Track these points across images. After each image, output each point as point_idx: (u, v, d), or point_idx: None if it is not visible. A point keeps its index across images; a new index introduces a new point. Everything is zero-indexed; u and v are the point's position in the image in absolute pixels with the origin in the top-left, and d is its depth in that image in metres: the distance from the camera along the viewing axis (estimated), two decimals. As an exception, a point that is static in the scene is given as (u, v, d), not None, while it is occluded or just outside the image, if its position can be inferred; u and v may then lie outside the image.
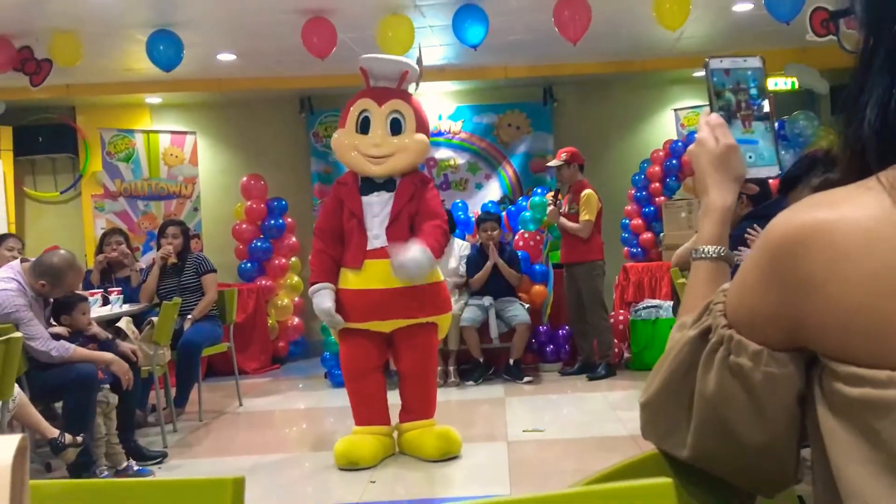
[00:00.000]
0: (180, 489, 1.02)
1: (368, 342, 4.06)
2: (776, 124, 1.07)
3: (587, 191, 5.89)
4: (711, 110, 1.06)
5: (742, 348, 0.82)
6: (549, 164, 6.24)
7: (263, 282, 7.36)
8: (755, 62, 1.07)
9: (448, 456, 4.03)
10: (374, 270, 3.95)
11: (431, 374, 4.25)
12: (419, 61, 4.20)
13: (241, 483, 1.00)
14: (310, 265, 4.27)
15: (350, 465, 3.95)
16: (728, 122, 1.05)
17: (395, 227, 3.96)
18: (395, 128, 4.03)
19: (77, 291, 4.27)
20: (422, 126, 4.12)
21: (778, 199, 3.04)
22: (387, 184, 4.03)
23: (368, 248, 3.96)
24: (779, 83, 7.34)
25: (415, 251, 3.74)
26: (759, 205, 3.51)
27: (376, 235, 3.96)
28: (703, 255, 1.02)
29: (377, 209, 3.99)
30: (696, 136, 1.06)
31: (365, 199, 4.01)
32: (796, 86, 7.30)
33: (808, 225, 0.75)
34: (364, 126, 4.05)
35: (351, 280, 4.00)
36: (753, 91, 1.06)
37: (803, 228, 0.75)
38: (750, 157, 1.05)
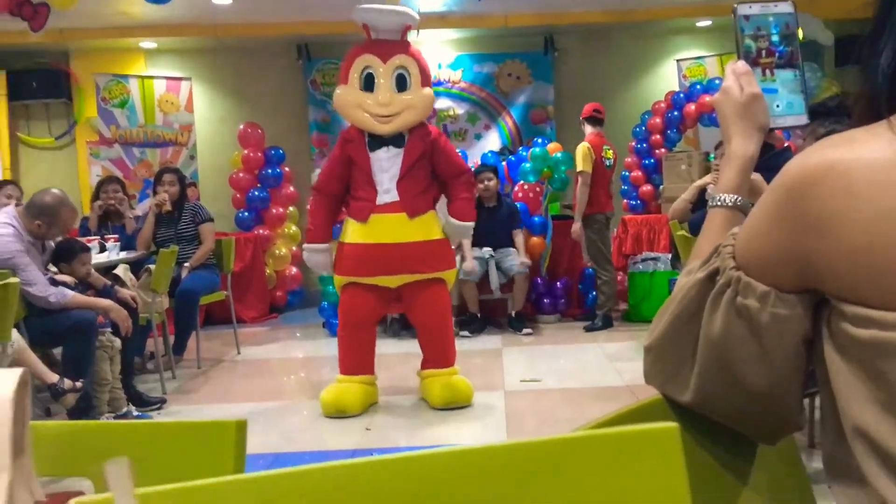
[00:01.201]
0: (184, 431, 1.02)
1: (371, 295, 4.07)
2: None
3: (583, 143, 5.91)
4: (738, 58, 1.04)
5: (750, 289, 0.82)
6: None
7: (261, 231, 7.34)
8: (786, 7, 1.04)
9: (453, 405, 4.07)
10: (383, 225, 3.93)
11: (448, 326, 4.28)
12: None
13: (243, 426, 1.00)
14: (308, 221, 4.24)
15: (338, 413, 4.00)
16: (754, 69, 1.02)
17: (407, 182, 3.96)
18: (401, 84, 3.96)
19: (76, 237, 4.26)
20: (426, 79, 4.07)
21: (782, 151, 3.01)
22: (395, 139, 3.98)
23: (378, 202, 3.94)
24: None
25: (467, 227, 4.19)
26: (763, 157, 3.48)
27: (387, 190, 3.94)
28: (720, 203, 1.00)
29: (386, 164, 3.95)
30: (721, 84, 1.04)
31: (373, 154, 3.97)
32: (801, 36, 7.20)
33: (823, 164, 0.75)
34: (368, 82, 3.96)
35: (357, 234, 3.98)
36: (782, 38, 1.03)
37: (818, 168, 0.75)
38: (777, 107, 1.03)
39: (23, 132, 7.81)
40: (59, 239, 4.38)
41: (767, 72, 1.03)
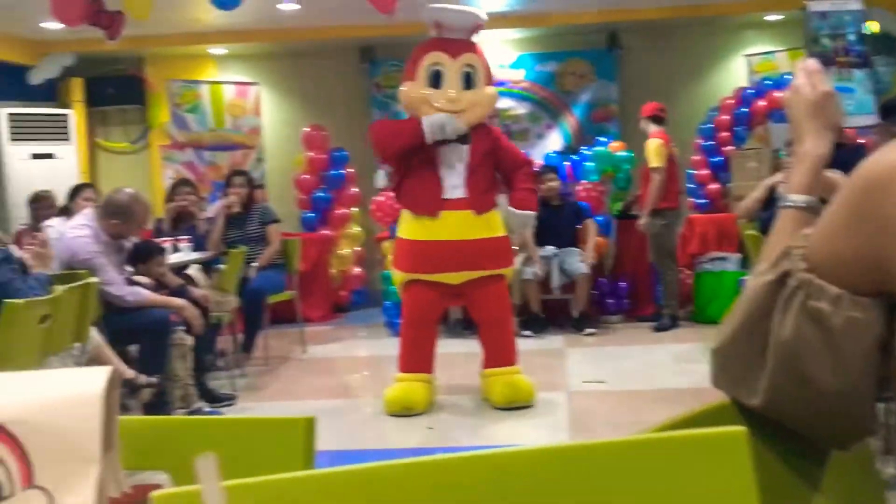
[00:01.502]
0: (256, 427, 1.06)
1: (434, 293, 4.09)
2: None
3: (650, 140, 5.83)
4: (808, 56, 1.02)
5: (822, 292, 0.80)
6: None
7: (325, 232, 7.46)
8: (855, 5, 1.02)
9: (515, 405, 4.06)
10: (451, 221, 3.96)
11: (509, 323, 4.31)
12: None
13: (312, 423, 1.03)
14: (387, 133, 4.17)
15: (404, 411, 4.03)
16: (825, 67, 1.00)
17: (474, 179, 4.00)
18: (467, 82, 4.00)
19: (150, 238, 4.40)
20: (489, 78, 4.12)
21: (856, 148, 2.92)
22: (460, 136, 4.00)
23: (445, 197, 3.97)
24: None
25: (528, 216, 4.17)
26: (835, 154, 3.38)
27: (454, 186, 3.97)
28: (791, 204, 0.99)
29: (453, 160, 3.98)
30: (792, 82, 1.03)
31: (441, 148, 4.00)
32: (877, 29, 6.95)
33: None
34: (435, 79, 3.99)
35: (422, 230, 4.02)
36: (853, 36, 1.01)
37: (893, 167, 0.73)
38: (848, 105, 1.01)
39: (100, 137, 8.10)
40: (136, 240, 4.54)
41: (838, 70, 1.01)
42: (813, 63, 1.01)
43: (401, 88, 4.15)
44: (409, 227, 4.08)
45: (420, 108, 4.02)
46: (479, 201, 3.98)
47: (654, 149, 5.82)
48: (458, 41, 4.02)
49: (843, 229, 0.79)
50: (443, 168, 3.99)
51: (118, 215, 4.03)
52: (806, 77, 1.01)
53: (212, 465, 0.44)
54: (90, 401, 0.48)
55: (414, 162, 4.03)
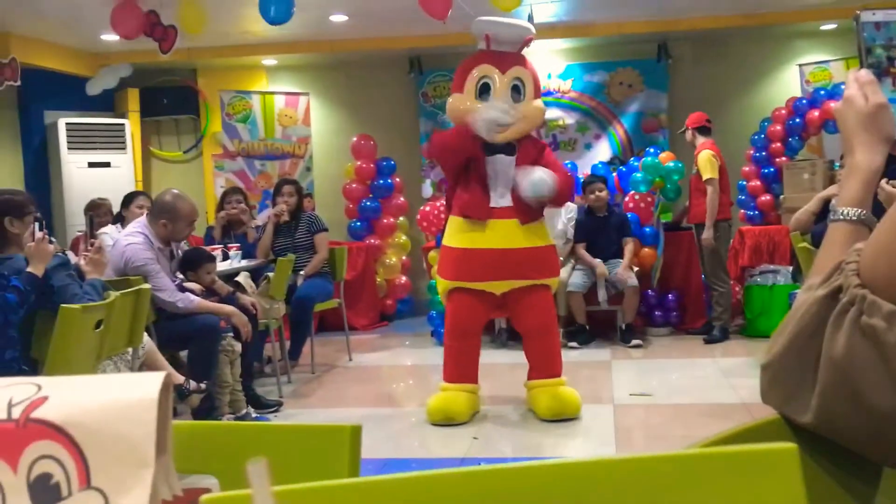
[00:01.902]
0: (302, 434, 1.07)
1: (478, 303, 4.10)
2: None
3: (702, 152, 5.77)
4: (861, 66, 1.00)
5: (876, 309, 0.78)
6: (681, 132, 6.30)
7: (372, 241, 7.52)
8: None
9: (561, 417, 4.04)
10: (497, 229, 3.97)
11: (554, 333, 4.29)
12: (530, 19, 4.14)
13: (358, 431, 1.03)
14: (446, 139, 4.15)
15: (445, 421, 4.03)
16: (879, 78, 0.98)
17: None
18: (515, 94, 4.01)
19: (201, 246, 4.48)
20: (538, 91, 4.12)
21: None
22: (506, 148, 4.02)
23: (492, 205, 3.98)
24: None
25: (539, 171, 3.91)
26: (888, 167, 3.30)
27: (501, 194, 3.99)
28: (843, 217, 0.96)
29: (501, 169, 3.99)
30: (844, 93, 1.01)
31: (489, 158, 4.01)
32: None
33: None
34: (483, 91, 4.00)
35: (467, 239, 4.02)
36: None
37: None
38: None
39: (154, 146, 8.30)
40: (187, 248, 4.63)
41: (892, 80, 0.98)
42: (866, 73, 0.99)
43: (449, 100, 4.16)
44: (455, 235, 4.09)
45: (467, 121, 4.04)
46: (524, 211, 3.98)
47: (706, 160, 5.74)
48: (507, 54, 4.03)
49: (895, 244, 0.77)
50: (490, 178, 4.00)
51: (164, 214, 4.12)
52: (858, 88, 0.99)
53: (263, 471, 0.44)
54: (146, 405, 0.49)
55: (464, 172, 4.04)
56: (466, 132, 3.96)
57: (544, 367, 4.15)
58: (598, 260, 5.98)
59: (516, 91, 4.01)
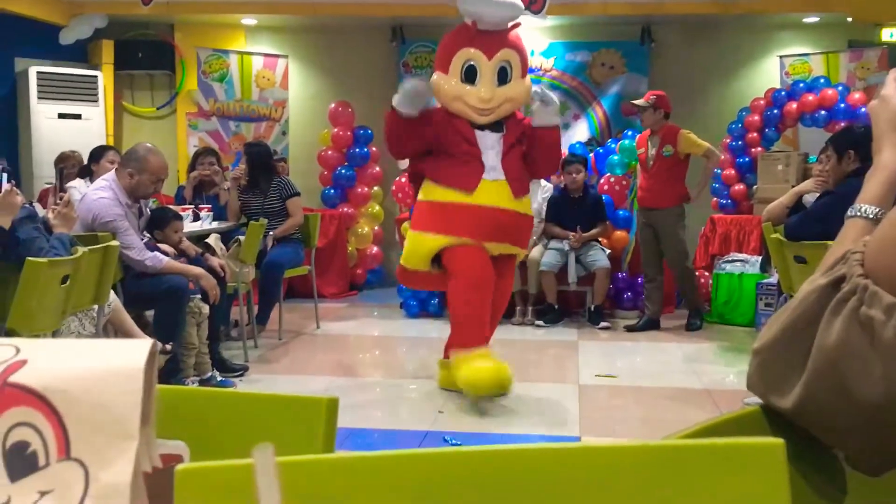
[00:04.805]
0: (277, 404, 1.05)
1: (484, 252, 3.93)
2: None
3: (682, 131, 5.63)
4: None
5: (876, 300, 0.77)
6: (635, 102, 5.96)
7: (345, 209, 7.46)
8: None
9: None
10: (490, 189, 3.89)
11: (504, 307, 4.29)
12: None
13: (335, 403, 1.02)
14: (389, 132, 4.08)
15: (500, 391, 3.77)
16: None
17: (509, 162, 3.97)
18: (502, 77, 3.94)
19: (171, 205, 4.41)
20: (525, 69, 4.07)
21: None
22: (493, 125, 3.98)
23: (485, 178, 3.93)
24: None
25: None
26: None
27: (493, 167, 3.93)
28: (861, 214, 0.96)
29: (490, 144, 3.95)
30: (881, 91, 1.00)
31: (478, 132, 3.96)
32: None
33: None
34: (469, 75, 3.92)
35: (457, 195, 3.89)
36: None
37: None
38: None
39: (127, 101, 8.12)
40: (155, 207, 4.55)
41: None
42: None
43: (434, 78, 4.07)
44: (442, 191, 3.92)
45: (451, 104, 3.96)
46: (515, 184, 3.95)
47: (694, 137, 5.62)
48: (494, 35, 3.94)
49: None
50: (482, 150, 3.94)
51: (132, 163, 4.03)
52: (895, 87, 0.98)
53: (269, 456, 0.43)
54: (132, 374, 0.47)
55: (456, 141, 3.94)
56: (405, 120, 3.86)
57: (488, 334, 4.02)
58: (571, 233, 5.96)
59: (503, 73, 3.94)
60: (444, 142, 3.96)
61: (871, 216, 0.95)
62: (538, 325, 5.95)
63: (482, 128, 3.96)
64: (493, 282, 3.91)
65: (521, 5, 4.03)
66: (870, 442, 0.85)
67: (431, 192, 3.99)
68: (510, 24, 3.99)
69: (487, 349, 3.86)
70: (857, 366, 0.78)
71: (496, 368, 3.70)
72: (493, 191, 3.90)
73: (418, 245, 3.97)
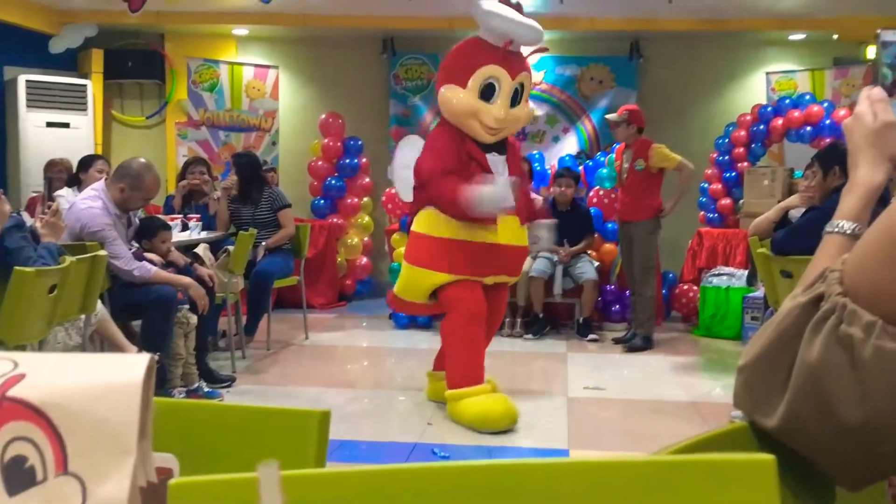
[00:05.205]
0: (269, 417, 1.05)
1: (479, 287, 3.94)
2: None
3: (655, 145, 5.55)
4: (874, 83, 1.01)
5: (855, 318, 0.78)
6: (608, 117, 5.91)
7: (335, 219, 7.46)
8: None
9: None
10: (507, 226, 3.90)
11: (494, 331, 4.32)
12: (518, 6, 4.01)
13: (327, 417, 1.02)
14: (450, 195, 3.76)
15: (511, 424, 3.77)
16: (891, 96, 1.00)
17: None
18: (514, 98, 3.91)
19: (160, 215, 4.39)
20: (528, 92, 4.11)
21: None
22: (497, 146, 3.98)
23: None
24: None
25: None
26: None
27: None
28: (838, 231, 0.97)
29: (499, 169, 3.93)
30: (855, 109, 1.02)
31: (487, 155, 3.93)
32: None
33: None
34: (486, 92, 3.83)
35: (467, 232, 3.83)
36: None
37: None
38: None
39: (116, 110, 8.10)
40: (143, 216, 4.54)
41: None
42: (878, 91, 1.00)
43: (446, 91, 3.88)
44: (454, 227, 3.83)
45: (464, 120, 3.86)
46: (521, 214, 3.98)
47: (665, 150, 5.59)
48: (518, 57, 3.93)
49: (881, 255, 0.77)
50: (494, 177, 3.86)
51: (126, 179, 4.01)
52: (869, 105, 1.00)
53: (274, 475, 0.43)
54: (130, 390, 0.47)
55: (470, 169, 3.85)
56: (465, 202, 3.68)
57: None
58: (560, 248, 5.95)
59: (515, 94, 3.90)
60: (456, 164, 3.82)
61: (848, 232, 0.97)
62: (526, 339, 5.96)
63: (489, 150, 3.93)
64: (486, 313, 3.94)
65: (541, 31, 3.99)
66: (851, 458, 0.86)
67: (435, 226, 3.87)
68: (539, 46, 3.99)
69: (491, 383, 3.91)
70: (838, 386, 0.79)
71: (503, 402, 3.77)
72: (508, 227, 3.89)
73: (419, 281, 3.94)
